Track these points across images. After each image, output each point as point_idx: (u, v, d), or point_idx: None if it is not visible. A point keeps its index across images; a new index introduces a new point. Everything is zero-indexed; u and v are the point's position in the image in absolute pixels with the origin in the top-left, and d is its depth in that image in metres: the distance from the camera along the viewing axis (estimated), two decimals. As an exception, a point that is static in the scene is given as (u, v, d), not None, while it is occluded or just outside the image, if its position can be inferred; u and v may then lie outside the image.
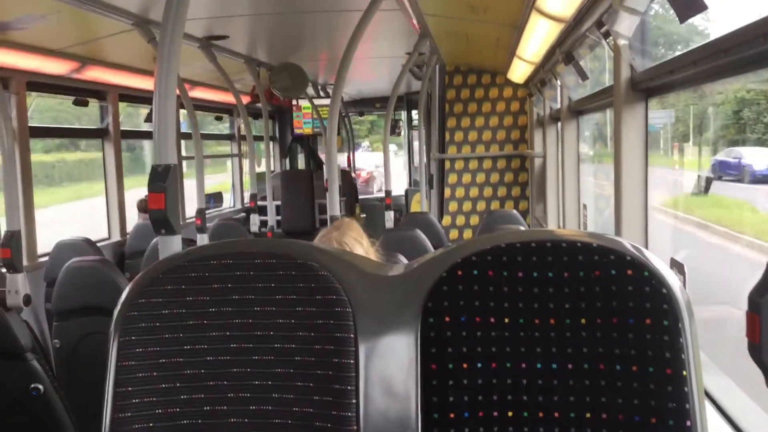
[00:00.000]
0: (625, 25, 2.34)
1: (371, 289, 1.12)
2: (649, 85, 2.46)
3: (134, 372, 1.11)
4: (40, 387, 2.61)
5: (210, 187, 8.44)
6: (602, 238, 1.06)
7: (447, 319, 1.07)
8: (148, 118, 6.41)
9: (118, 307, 1.14)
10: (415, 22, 4.96)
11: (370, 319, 1.09)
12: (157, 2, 3.31)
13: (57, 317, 3.49)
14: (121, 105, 6.04)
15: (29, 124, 4.76)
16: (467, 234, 7.48)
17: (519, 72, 6.38)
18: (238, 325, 1.11)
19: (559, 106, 5.45)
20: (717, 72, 1.96)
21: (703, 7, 1.68)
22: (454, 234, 7.49)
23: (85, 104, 5.52)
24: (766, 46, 1.29)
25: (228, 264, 1.14)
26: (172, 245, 2.09)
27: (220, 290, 1.12)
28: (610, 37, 2.73)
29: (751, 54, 1.62)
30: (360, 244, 2.13)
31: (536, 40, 4.45)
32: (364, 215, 10.23)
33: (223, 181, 9.57)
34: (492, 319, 1.06)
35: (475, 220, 7.51)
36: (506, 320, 1.06)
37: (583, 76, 3.89)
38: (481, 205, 7.55)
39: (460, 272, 1.07)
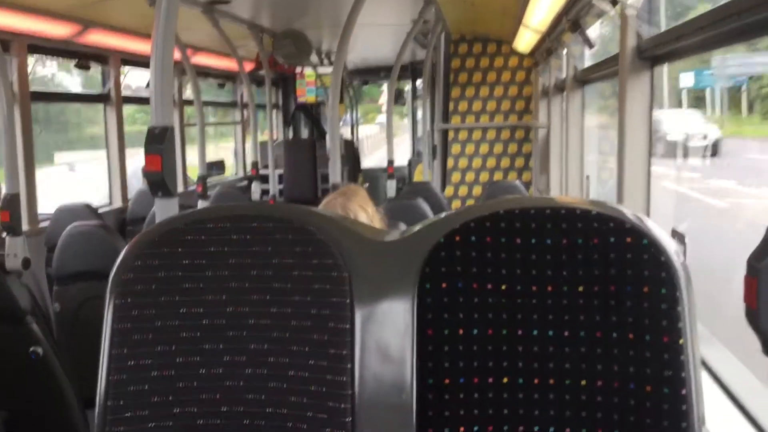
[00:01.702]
0: (633, -7, 2.30)
1: (368, 254, 1.12)
2: (655, 53, 2.43)
3: (130, 334, 1.10)
4: (39, 350, 2.63)
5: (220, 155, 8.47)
6: (602, 206, 1.04)
7: (444, 285, 1.06)
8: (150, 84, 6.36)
9: (114, 269, 1.13)
10: None
11: (367, 284, 1.08)
12: (158, -36, 3.27)
13: (57, 282, 3.50)
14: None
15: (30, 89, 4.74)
16: (470, 204, 7.47)
17: (525, 41, 6.33)
18: (234, 288, 1.11)
19: (564, 76, 5.40)
20: (725, 37, 1.93)
21: None
22: (456, 204, 7.49)
23: (87, 68, 5.49)
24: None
25: (225, 227, 1.13)
26: (169, 208, 2.08)
27: (217, 254, 1.12)
28: (618, 5, 2.69)
29: (758, 18, 1.59)
30: (364, 211, 2.12)
31: (543, 7, 4.40)
32: (367, 184, 10.22)
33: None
34: (489, 286, 1.05)
35: (477, 190, 7.50)
36: (503, 287, 1.05)
37: (589, 44, 3.85)
38: (484, 176, 7.53)
39: (457, 238, 1.06)
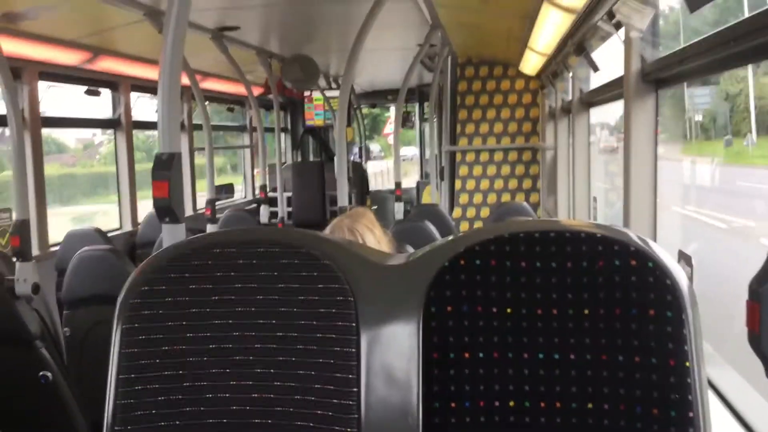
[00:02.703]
0: (637, 16, 2.32)
1: (373, 278, 1.12)
2: (659, 76, 2.44)
3: (137, 359, 1.11)
4: (49, 375, 2.63)
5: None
6: (607, 229, 1.05)
7: (449, 308, 1.06)
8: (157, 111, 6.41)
9: (122, 294, 1.14)
10: (426, 13, 4.94)
11: (372, 308, 1.09)
12: (168, -8, 3.32)
13: (67, 306, 3.51)
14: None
15: (41, 114, 4.79)
16: (477, 226, 7.47)
17: (531, 64, 6.36)
18: (240, 313, 1.12)
19: (570, 98, 5.42)
20: (728, 61, 1.94)
21: None
22: (464, 226, 7.48)
23: (97, 94, 5.55)
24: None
25: (231, 252, 1.14)
26: (176, 234, 2.09)
27: (224, 278, 1.13)
28: (622, 28, 2.71)
29: (759, 43, 1.60)
30: (371, 233, 2.12)
31: (548, 31, 4.43)
32: (375, 207, 10.23)
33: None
34: (494, 309, 1.05)
35: (485, 212, 7.50)
36: (508, 310, 1.05)
37: (594, 67, 3.87)
38: (491, 198, 7.53)
39: (462, 262, 1.07)
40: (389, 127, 12.65)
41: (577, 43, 4.01)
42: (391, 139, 12.58)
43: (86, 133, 7.47)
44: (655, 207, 2.54)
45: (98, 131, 7.59)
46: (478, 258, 1.06)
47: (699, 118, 3.90)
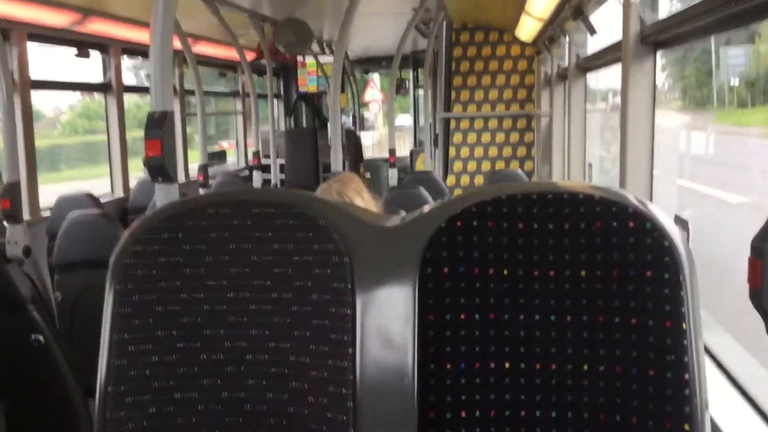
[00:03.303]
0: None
1: (369, 239, 1.11)
2: (658, 38, 2.41)
3: (130, 320, 1.10)
4: (41, 338, 2.63)
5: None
6: (605, 191, 1.04)
7: (445, 270, 1.05)
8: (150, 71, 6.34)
9: (114, 254, 1.13)
10: None
11: (368, 269, 1.08)
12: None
13: (58, 270, 3.50)
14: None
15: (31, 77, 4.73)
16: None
17: (527, 29, 6.30)
18: (235, 274, 1.10)
19: (566, 63, 5.38)
20: (728, 21, 1.92)
21: None
22: (458, 193, 7.47)
23: (87, 56, 5.47)
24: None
25: (226, 213, 1.12)
26: (169, 194, 2.07)
27: (218, 239, 1.11)
28: (621, -11, 2.67)
29: (760, 2, 1.58)
30: (360, 196, 2.13)
31: (545, -5, 4.37)
32: (369, 175, 10.21)
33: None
34: (491, 271, 1.05)
35: (479, 180, 7.49)
36: (505, 272, 1.04)
37: (592, 31, 3.83)
38: (486, 165, 7.52)
39: (459, 223, 1.06)
40: (370, 93, 12.17)
41: (575, 6, 3.96)
42: (372, 108, 12.41)
43: (47, 102, 7.13)
44: (651, 171, 2.54)
45: (62, 99, 7.30)
46: (475, 219, 1.05)
47: (735, 82, 3.28)
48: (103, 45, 5.66)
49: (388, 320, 1.06)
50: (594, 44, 4.52)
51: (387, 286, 1.07)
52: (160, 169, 2.02)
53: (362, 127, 12.06)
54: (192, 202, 1.16)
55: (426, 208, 1.14)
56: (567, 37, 4.91)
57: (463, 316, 1.05)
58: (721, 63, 3.32)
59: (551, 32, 5.42)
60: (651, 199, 2.54)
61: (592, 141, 5.46)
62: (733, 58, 3.25)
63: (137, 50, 6.07)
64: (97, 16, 5.26)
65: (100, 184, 5.98)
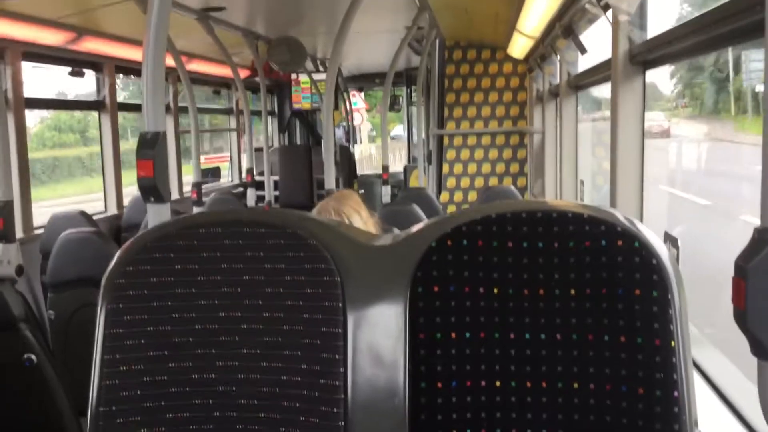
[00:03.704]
0: (625, -3, 2.31)
1: (360, 258, 1.12)
2: (646, 58, 2.44)
3: (122, 340, 1.10)
4: (33, 357, 2.62)
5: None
6: (594, 209, 1.05)
7: (436, 288, 1.06)
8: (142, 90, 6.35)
9: (106, 274, 1.13)
10: None
11: (359, 288, 1.08)
12: (152, -29, 3.29)
13: (51, 289, 3.49)
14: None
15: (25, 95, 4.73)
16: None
17: (519, 47, 6.35)
18: (226, 293, 1.11)
19: (558, 81, 5.42)
20: (714, 42, 1.95)
21: None
22: (451, 209, 7.49)
23: (81, 75, 5.49)
24: (761, 15, 1.28)
25: (217, 233, 1.13)
26: (161, 214, 2.08)
27: (209, 259, 1.12)
28: (610, 10, 2.70)
29: (747, 23, 1.60)
30: (358, 214, 2.13)
31: (536, 13, 4.41)
32: (363, 191, 10.21)
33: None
34: (481, 289, 1.05)
35: (473, 196, 7.51)
36: (495, 290, 1.05)
37: (582, 50, 3.86)
38: (479, 182, 7.54)
39: (449, 242, 1.07)
40: (352, 102, 11.92)
41: (565, 25, 4.00)
42: (355, 118, 12.36)
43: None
44: (641, 188, 2.55)
45: (35, 113, 7.14)
46: (465, 238, 1.06)
47: (761, 87, 2.96)
48: (97, 63, 5.67)
49: (379, 339, 1.07)
50: (585, 61, 4.55)
51: (378, 305, 1.08)
52: (152, 189, 2.03)
53: (354, 141, 12.08)
54: (184, 221, 1.17)
55: (416, 227, 1.14)
56: (558, 55, 4.95)
57: (453, 335, 1.05)
58: (743, 68, 3.08)
59: (542, 50, 5.46)
60: (641, 217, 2.56)
61: (585, 153, 5.47)
62: (757, 63, 2.94)
63: (131, 68, 6.09)
64: (91, 35, 5.28)
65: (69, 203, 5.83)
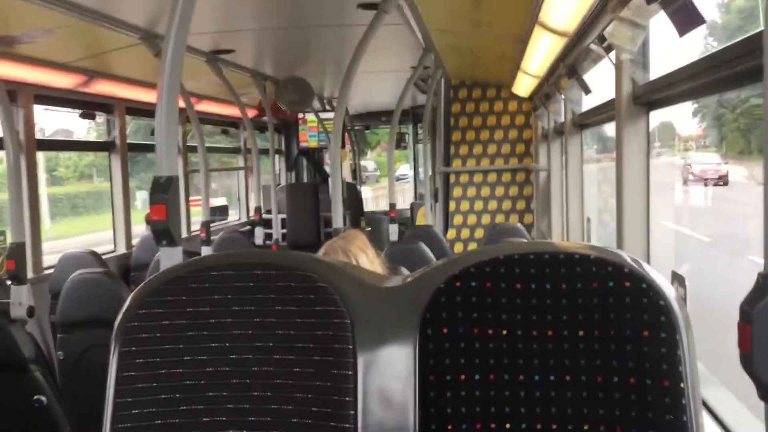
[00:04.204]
0: (627, 39, 2.35)
1: (370, 300, 1.13)
2: (650, 99, 2.46)
3: (134, 383, 1.11)
4: (43, 399, 2.62)
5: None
6: (601, 250, 1.06)
7: (445, 330, 1.07)
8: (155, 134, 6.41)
9: (119, 317, 1.14)
10: (420, 36, 4.99)
11: (369, 330, 1.09)
12: (164, 16, 3.36)
13: (61, 329, 3.50)
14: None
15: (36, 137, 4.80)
16: (472, 247, 7.47)
17: (523, 86, 6.41)
18: (237, 336, 1.12)
19: (563, 119, 5.46)
20: (715, 85, 1.98)
21: (701, 21, 1.69)
22: (458, 247, 7.49)
23: (93, 117, 5.56)
24: (760, 60, 1.31)
25: (228, 275, 1.14)
26: (173, 257, 2.09)
27: (220, 301, 1.13)
28: (613, 51, 2.74)
29: (746, 67, 1.63)
30: (365, 254, 2.14)
31: (540, 54, 4.47)
32: (370, 228, 10.22)
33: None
34: (490, 331, 1.06)
35: (479, 233, 7.51)
36: (504, 332, 1.06)
37: (586, 90, 3.90)
38: (485, 219, 7.55)
39: (458, 284, 1.08)
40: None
41: (569, 65, 4.05)
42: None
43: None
44: (648, 228, 2.56)
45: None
46: (473, 280, 1.07)
47: None
48: (107, 105, 5.75)
49: (389, 381, 1.07)
50: (590, 99, 4.60)
51: (388, 346, 1.09)
52: (165, 233, 2.05)
53: (362, 180, 12.12)
54: (195, 264, 1.18)
55: (425, 269, 1.16)
56: (562, 94, 4.99)
57: (463, 377, 1.06)
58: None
59: (547, 89, 5.51)
60: (648, 257, 2.56)
61: (591, 189, 5.47)
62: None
63: (141, 110, 6.18)
64: (102, 78, 5.36)
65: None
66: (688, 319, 1.02)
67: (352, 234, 2.26)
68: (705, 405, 1.93)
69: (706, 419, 1.14)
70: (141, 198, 8.16)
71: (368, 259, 2.14)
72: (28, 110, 4.69)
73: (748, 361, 1.04)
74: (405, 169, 14.89)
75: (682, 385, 0.99)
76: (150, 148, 7.02)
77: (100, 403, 1.12)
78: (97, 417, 1.11)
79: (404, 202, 12.25)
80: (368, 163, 17.38)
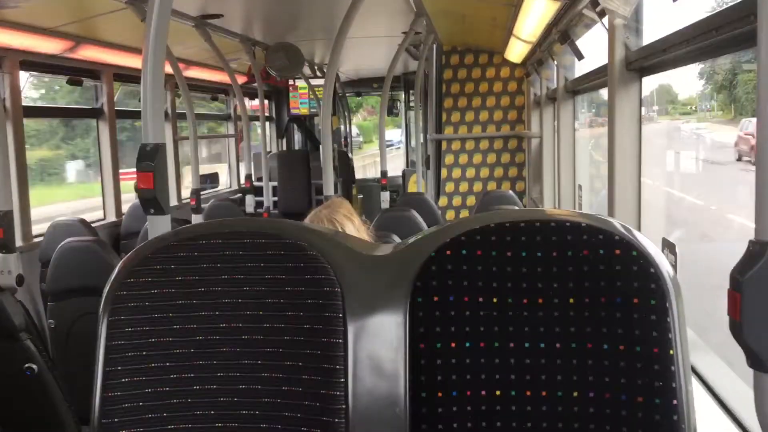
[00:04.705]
0: (620, 4, 2.32)
1: (360, 268, 1.12)
2: (642, 65, 2.45)
3: (123, 351, 1.11)
4: (34, 367, 2.62)
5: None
6: (592, 218, 1.06)
7: (435, 298, 1.07)
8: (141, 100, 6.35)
9: (107, 286, 1.14)
10: (411, 0, 4.93)
11: (359, 298, 1.09)
12: (150, -20, 3.31)
13: (51, 298, 3.50)
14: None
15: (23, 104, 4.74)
16: (464, 215, 7.49)
17: (516, 52, 6.37)
18: (227, 304, 1.11)
19: (555, 85, 5.44)
20: (708, 50, 1.96)
21: None
22: (450, 215, 7.50)
23: (80, 83, 5.50)
24: (754, 25, 1.29)
25: (217, 243, 1.13)
26: (161, 225, 2.08)
27: (209, 270, 1.12)
28: (606, 16, 2.71)
29: (740, 32, 1.62)
30: (351, 221, 2.14)
31: (532, 19, 4.43)
32: (362, 196, 10.22)
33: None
34: (480, 299, 1.06)
35: (471, 200, 7.52)
36: (494, 300, 1.06)
37: (579, 55, 3.88)
38: (477, 186, 7.56)
39: (449, 252, 1.07)
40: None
41: (562, 31, 4.02)
42: None
43: None
44: (639, 194, 2.56)
45: None
46: (464, 248, 1.07)
47: None
48: (95, 72, 5.68)
49: (379, 349, 1.07)
50: (582, 65, 4.57)
51: (378, 314, 1.08)
52: (153, 201, 2.03)
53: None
54: (184, 232, 1.17)
55: (416, 237, 1.15)
56: (555, 60, 4.96)
57: (453, 344, 1.06)
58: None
59: (540, 55, 5.48)
60: (639, 224, 2.57)
61: (583, 156, 5.46)
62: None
63: (129, 76, 6.10)
64: (89, 44, 5.29)
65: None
66: (678, 286, 1.02)
67: (336, 202, 2.25)
68: (694, 371, 1.95)
69: (695, 385, 1.15)
70: (75, 169, 7.30)
71: (354, 227, 2.14)
72: (14, 77, 4.63)
73: (738, 329, 1.05)
74: (392, 134, 14.70)
75: (671, 351, 0.99)
76: (138, 114, 6.96)
77: (92, 370, 1.12)
78: (89, 384, 1.11)
79: (393, 170, 12.18)
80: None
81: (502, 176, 7.57)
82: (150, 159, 2.01)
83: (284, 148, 10.69)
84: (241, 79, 7.48)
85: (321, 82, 9.47)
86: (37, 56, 4.90)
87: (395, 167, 11.93)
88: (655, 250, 1.03)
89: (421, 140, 7.95)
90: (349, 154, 11.05)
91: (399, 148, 14.43)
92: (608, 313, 1.02)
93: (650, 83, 2.54)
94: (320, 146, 8.30)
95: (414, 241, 1.13)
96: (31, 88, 5.71)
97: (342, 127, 11.24)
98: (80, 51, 5.26)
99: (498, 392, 1.05)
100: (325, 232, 1.25)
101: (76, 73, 5.45)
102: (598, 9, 2.94)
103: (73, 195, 7.14)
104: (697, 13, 2.00)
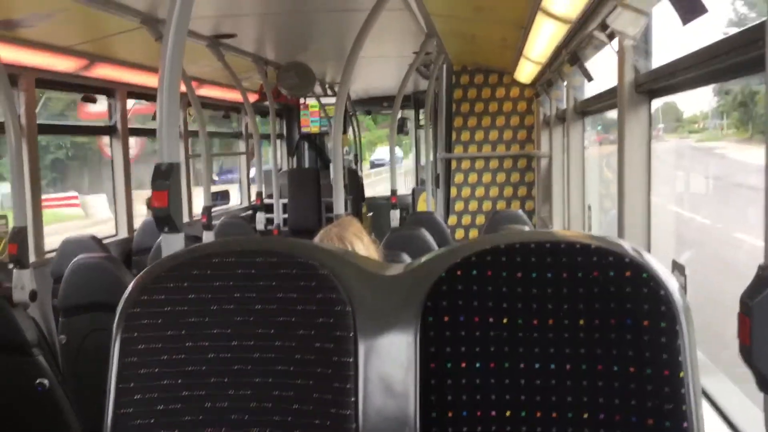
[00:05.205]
0: (630, 26, 2.34)
1: (371, 288, 1.13)
2: (652, 87, 2.46)
3: (136, 368, 1.12)
4: (46, 382, 2.63)
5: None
6: (601, 240, 1.06)
7: (446, 318, 1.08)
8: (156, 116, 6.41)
9: (121, 303, 1.15)
10: (422, 21, 4.97)
11: (370, 317, 1.10)
12: (165, 0, 3.35)
13: (63, 313, 3.52)
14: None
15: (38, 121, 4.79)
16: (473, 234, 7.49)
17: (526, 72, 6.39)
18: (239, 323, 1.12)
19: (565, 106, 5.45)
20: (718, 74, 1.97)
21: (704, 10, 1.69)
22: (459, 233, 7.50)
23: (94, 101, 5.56)
24: (762, 51, 1.30)
25: (230, 262, 1.15)
26: (175, 243, 2.10)
27: (222, 288, 1.13)
28: (615, 38, 2.73)
29: (748, 57, 1.63)
30: (360, 240, 2.15)
31: (542, 40, 4.46)
32: (371, 214, 10.23)
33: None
34: (490, 319, 1.07)
35: (481, 219, 7.51)
36: (504, 320, 1.06)
37: (588, 77, 3.89)
38: (487, 205, 7.55)
39: (459, 272, 1.08)
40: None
41: (572, 52, 4.04)
42: None
43: None
44: (649, 215, 2.56)
45: None
46: (474, 268, 1.07)
47: None
48: (109, 89, 5.75)
49: (390, 368, 1.08)
50: (592, 86, 4.59)
51: (389, 334, 1.09)
52: (167, 219, 2.05)
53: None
54: (197, 251, 1.19)
55: (426, 257, 1.16)
56: (564, 80, 4.98)
57: (463, 365, 1.07)
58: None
59: (549, 76, 5.50)
60: (649, 246, 2.56)
61: (592, 174, 5.44)
62: None
63: (143, 94, 6.17)
64: (103, 62, 5.35)
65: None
66: (688, 308, 1.02)
67: (346, 221, 2.26)
68: (705, 394, 1.95)
69: (705, 408, 1.15)
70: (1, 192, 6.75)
71: (363, 246, 2.15)
72: (30, 94, 4.69)
73: (747, 353, 1.05)
74: (382, 153, 14.42)
75: (681, 374, 1.00)
76: (151, 132, 7.02)
77: (103, 386, 1.13)
78: (100, 400, 1.12)
79: (382, 191, 11.94)
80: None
81: (512, 195, 7.57)
82: (165, 177, 2.03)
83: (295, 166, 10.73)
84: (252, 98, 7.54)
85: (332, 100, 9.53)
86: (52, 74, 4.96)
87: (386, 189, 11.86)
88: (666, 273, 1.04)
89: (431, 159, 7.97)
90: (359, 173, 11.08)
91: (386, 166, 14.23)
92: (618, 335, 1.02)
93: (656, 100, 2.54)
94: (330, 164, 8.34)
95: (425, 261, 1.14)
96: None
97: (352, 145, 11.29)
98: (95, 69, 5.33)
99: (508, 413, 1.05)
100: (337, 251, 1.26)
101: (91, 90, 5.51)
102: (607, 31, 2.96)
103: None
104: (706, 36, 2.02)
